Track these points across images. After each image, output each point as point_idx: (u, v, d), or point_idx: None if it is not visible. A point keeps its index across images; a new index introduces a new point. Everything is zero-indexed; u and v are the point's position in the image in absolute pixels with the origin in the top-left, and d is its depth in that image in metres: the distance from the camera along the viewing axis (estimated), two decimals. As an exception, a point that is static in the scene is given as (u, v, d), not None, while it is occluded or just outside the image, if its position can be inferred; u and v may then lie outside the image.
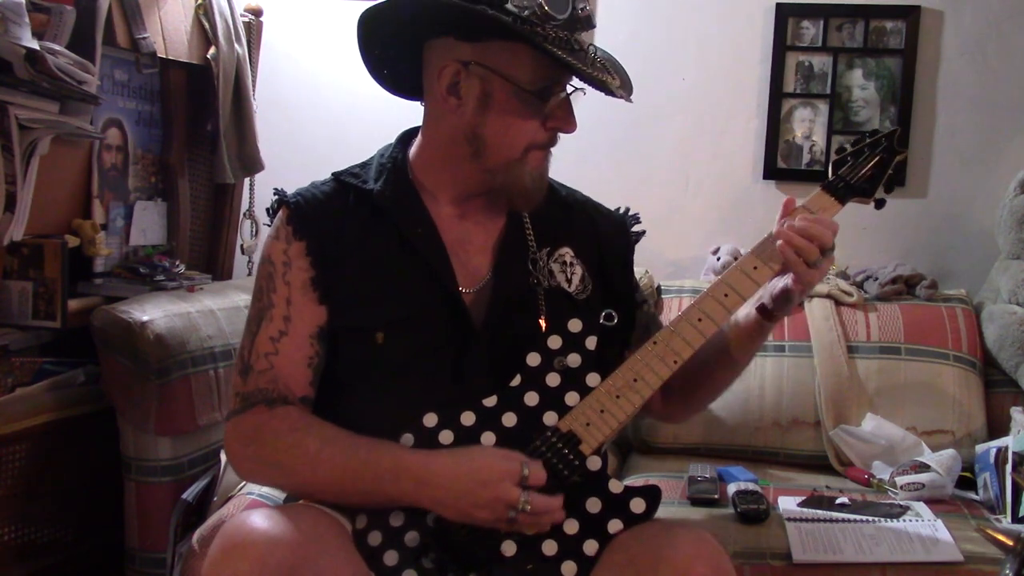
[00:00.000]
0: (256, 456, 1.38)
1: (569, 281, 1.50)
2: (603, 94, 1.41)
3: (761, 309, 1.44)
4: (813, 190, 1.48)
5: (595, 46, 1.45)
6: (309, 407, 1.42)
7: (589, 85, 1.39)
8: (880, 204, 1.49)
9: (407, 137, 1.53)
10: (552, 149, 1.46)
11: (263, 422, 1.37)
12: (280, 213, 1.47)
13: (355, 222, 1.45)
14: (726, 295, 1.40)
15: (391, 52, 1.49)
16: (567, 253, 1.52)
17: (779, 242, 1.37)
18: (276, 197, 1.49)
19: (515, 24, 1.32)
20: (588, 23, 1.38)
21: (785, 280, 1.40)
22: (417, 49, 1.45)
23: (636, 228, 1.63)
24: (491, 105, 1.39)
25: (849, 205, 1.47)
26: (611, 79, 1.39)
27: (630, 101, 1.42)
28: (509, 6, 1.33)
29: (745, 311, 1.46)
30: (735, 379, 1.56)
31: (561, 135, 1.45)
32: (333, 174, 1.52)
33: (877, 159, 1.47)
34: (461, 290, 1.44)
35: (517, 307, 1.45)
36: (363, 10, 1.43)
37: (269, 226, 1.50)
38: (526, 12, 1.33)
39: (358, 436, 1.34)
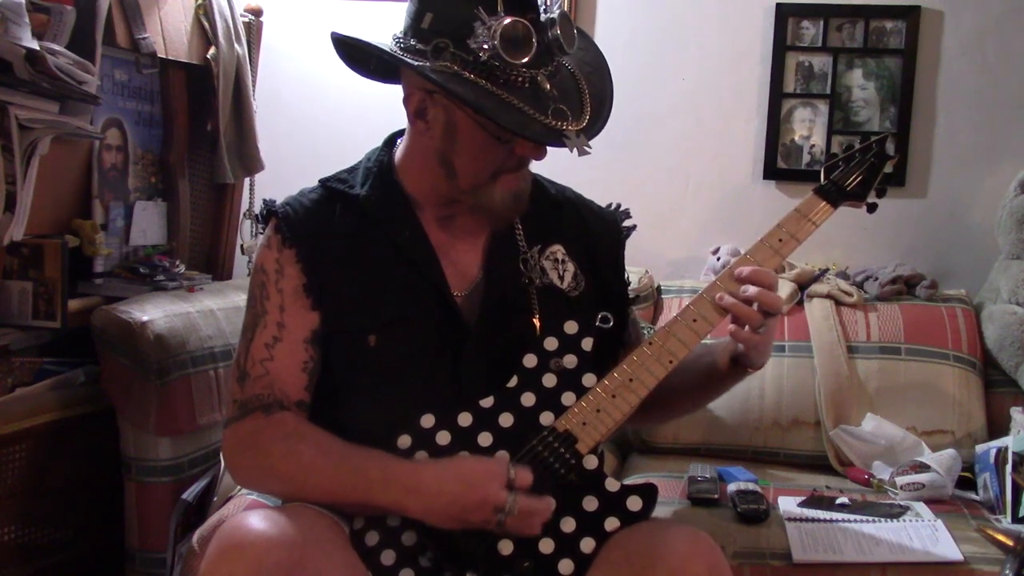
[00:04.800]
0: (251, 463, 1.39)
1: (562, 278, 1.51)
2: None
3: (734, 360, 1.45)
4: (811, 190, 1.49)
5: (580, 50, 1.42)
6: (305, 412, 1.43)
7: (539, 143, 1.36)
8: (872, 208, 1.51)
9: (393, 139, 1.54)
10: (535, 160, 1.42)
11: (259, 429, 1.38)
12: (270, 223, 1.49)
13: (344, 227, 1.46)
14: (720, 296, 1.40)
15: (372, 55, 1.49)
16: (558, 250, 1.53)
17: (730, 327, 1.39)
18: (264, 207, 1.50)
19: (474, 65, 1.31)
20: (562, 48, 1.35)
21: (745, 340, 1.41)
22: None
23: (627, 224, 1.63)
24: (456, 134, 1.38)
25: (843, 207, 1.49)
26: (570, 125, 1.33)
27: (587, 151, 1.33)
28: (471, 43, 1.31)
29: (720, 356, 1.47)
30: (707, 403, 1.63)
31: None
32: (320, 180, 1.53)
33: (868, 164, 1.49)
34: (454, 293, 1.45)
35: (510, 307, 1.46)
36: (331, 32, 1.44)
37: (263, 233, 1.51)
38: (486, 55, 1.31)
39: (351, 445, 1.35)
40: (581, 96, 1.40)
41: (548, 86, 1.35)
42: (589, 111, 1.38)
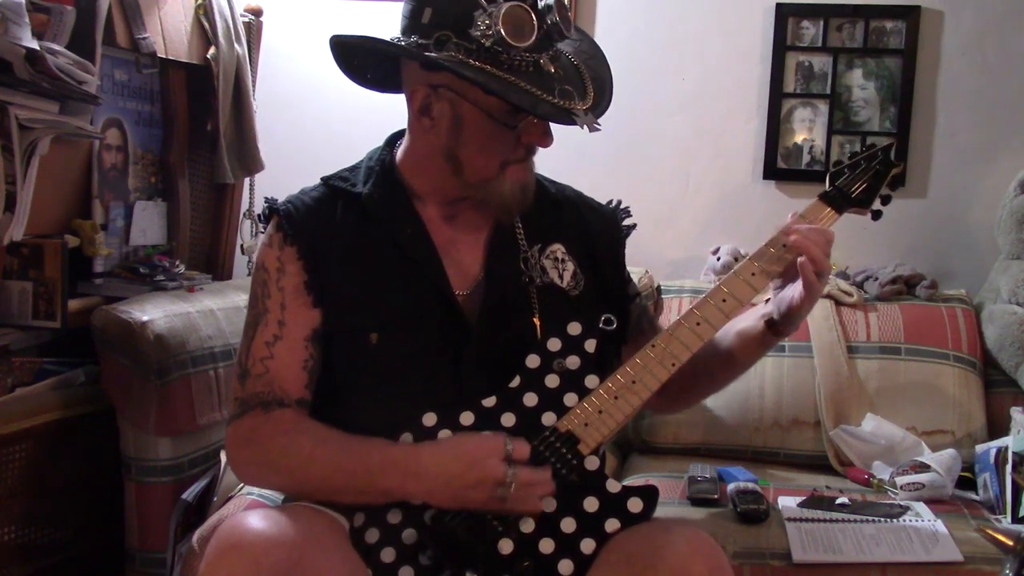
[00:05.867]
0: (253, 459, 1.40)
1: (561, 277, 1.51)
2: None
3: (769, 323, 1.45)
4: (812, 190, 1.50)
5: (575, 40, 1.43)
6: (306, 410, 1.43)
7: (551, 121, 1.37)
8: (876, 215, 1.52)
9: (395, 139, 1.54)
10: (541, 147, 1.44)
11: (259, 425, 1.39)
12: (271, 220, 1.49)
13: (346, 225, 1.46)
14: (724, 300, 1.41)
15: (371, 60, 1.50)
16: (558, 249, 1.53)
17: (800, 258, 1.39)
18: (267, 205, 1.51)
19: (478, 53, 1.32)
20: (561, 33, 1.36)
21: (793, 292, 1.41)
22: (395, 59, 1.46)
23: (627, 221, 1.63)
24: (463, 127, 1.39)
25: (848, 214, 1.50)
26: (576, 104, 1.35)
27: (596, 128, 1.35)
28: (473, 32, 1.32)
29: (753, 322, 1.47)
30: (734, 379, 1.59)
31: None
32: (322, 179, 1.53)
33: (873, 172, 1.50)
34: (456, 293, 1.45)
35: (511, 306, 1.46)
36: (332, 35, 1.44)
37: (264, 232, 1.51)
38: (489, 41, 1.31)
39: (350, 435, 1.36)
40: (583, 78, 1.41)
41: (552, 68, 1.36)
42: (592, 91, 1.39)
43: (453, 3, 1.34)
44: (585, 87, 1.40)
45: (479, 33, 1.31)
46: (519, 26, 1.32)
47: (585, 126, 1.34)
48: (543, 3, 1.34)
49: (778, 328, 1.46)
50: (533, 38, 1.33)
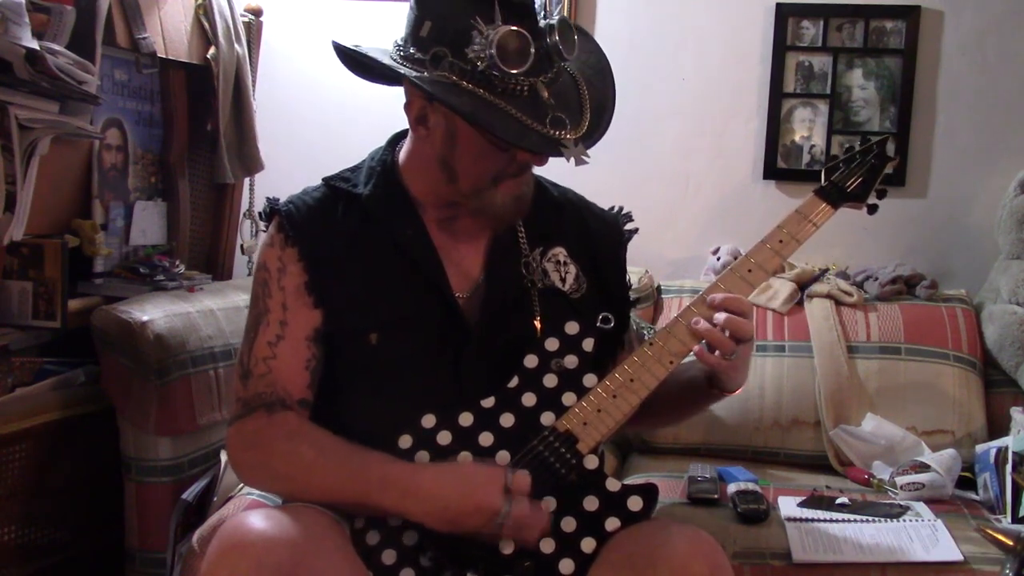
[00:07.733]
0: (255, 462, 1.40)
1: (563, 280, 1.51)
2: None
3: (709, 380, 1.47)
4: (812, 190, 1.50)
5: (582, 53, 1.42)
6: (308, 410, 1.44)
7: (538, 152, 1.35)
8: (872, 209, 1.52)
9: (397, 139, 1.54)
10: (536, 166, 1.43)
11: (262, 428, 1.39)
12: (273, 221, 1.49)
13: (347, 226, 1.47)
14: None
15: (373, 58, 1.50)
16: (560, 252, 1.53)
17: (695, 347, 1.40)
18: (268, 205, 1.51)
19: (472, 75, 1.30)
20: (561, 55, 1.34)
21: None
22: None
23: (629, 227, 1.63)
24: (457, 140, 1.38)
25: (844, 209, 1.49)
26: (568, 134, 1.32)
27: (584, 161, 1.31)
28: (469, 53, 1.31)
29: (695, 375, 1.49)
30: (677, 423, 1.60)
31: None
32: (324, 179, 1.53)
33: (869, 165, 1.50)
34: (456, 294, 1.45)
35: (511, 308, 1.46)
36: (332, 41, 1.44)
37: (265, 231, 1.51)
38: (483, 64, 1.30)
39: (353, 447, 1.35)
40: (581, 103, 1.39)
41: (546, 94, 1.33)
42: (588, 118, 1.37)
43: (451, 21, 1.32)
44: (582, 112, 1.37)
45: (474, 55, 1.30)
46: (513, 52, 1.30)
47: (572, 159, 1.32)
48: (544, 23, 1.33)
49: (718, 387, 1.47)
50: (529, 63, 1.31)
